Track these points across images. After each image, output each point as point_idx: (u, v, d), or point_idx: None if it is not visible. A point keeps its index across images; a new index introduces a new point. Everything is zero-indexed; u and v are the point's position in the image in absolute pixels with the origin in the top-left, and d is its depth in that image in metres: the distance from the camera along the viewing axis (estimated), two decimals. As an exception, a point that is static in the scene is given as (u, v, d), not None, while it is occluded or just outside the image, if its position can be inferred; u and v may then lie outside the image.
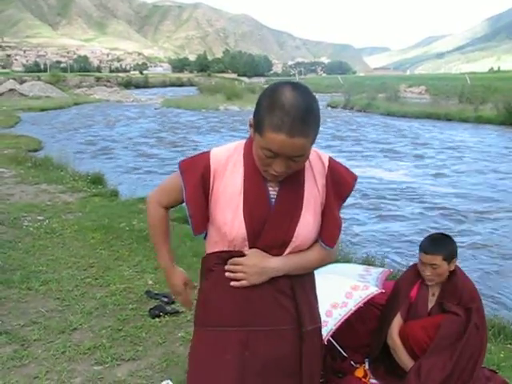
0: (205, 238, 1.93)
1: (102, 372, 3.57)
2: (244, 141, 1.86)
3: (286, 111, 1.57)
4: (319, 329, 2.01)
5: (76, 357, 3.75)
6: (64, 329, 4.15)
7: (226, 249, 1.81)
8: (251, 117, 1.71)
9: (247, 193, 1.77)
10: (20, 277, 5.13)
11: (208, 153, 1.84)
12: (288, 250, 1.80)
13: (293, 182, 1.79)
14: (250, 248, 1.79)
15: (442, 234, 3.36)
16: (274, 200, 1.78)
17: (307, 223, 1.80)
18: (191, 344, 1.96)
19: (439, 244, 3.19)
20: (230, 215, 1.76)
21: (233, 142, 1.89)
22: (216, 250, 1.84)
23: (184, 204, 1.86)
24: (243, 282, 1.79)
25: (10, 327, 4.15)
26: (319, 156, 1.84)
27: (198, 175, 1.80)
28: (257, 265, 1.78)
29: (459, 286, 3.24)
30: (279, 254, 1.80)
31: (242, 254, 1.79)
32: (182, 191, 1.84)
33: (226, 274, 1.81)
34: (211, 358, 1.82)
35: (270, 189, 1.78)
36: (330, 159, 1.86)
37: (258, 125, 1.64)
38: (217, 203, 1.79)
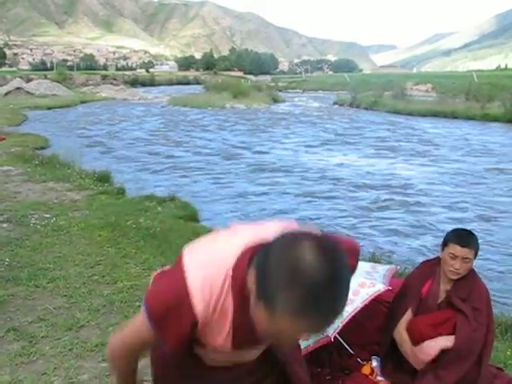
0: None
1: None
2: (230, 272, 1.38)
3: (314, 293, 1.14)
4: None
5: (83, 354, 3.77)
6: (71, 326, 4.17)
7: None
8: (251, 267, 1.31)
9: (237, 333, 1.47)
10: (28, 274, 5.15)
11: (188, 298, 1.36)
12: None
13: None
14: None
15: (466, 229, 3.36)
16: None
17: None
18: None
19: (473, 238, 3.20)
20: (216, 355, 1.60)
21: (218, 269, 1.39)
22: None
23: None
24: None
25: (18, 324, 4.17)
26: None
27: (183, 334, 1.43)
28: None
29: (470, 283, 3.25)
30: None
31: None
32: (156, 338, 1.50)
33: None
34: None
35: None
36: None
37: (264, 294, 1.20)
38: (201, 337, 1.50)
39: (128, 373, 1.75)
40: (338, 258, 1.18)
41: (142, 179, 12.53)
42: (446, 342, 3.18)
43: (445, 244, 3.26)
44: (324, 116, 33.62)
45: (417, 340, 3.29)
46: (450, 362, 3.13)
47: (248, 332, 1.41)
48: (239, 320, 1.42)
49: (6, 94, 48.80)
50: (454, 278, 3.24)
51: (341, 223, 9.28)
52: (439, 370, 3.14)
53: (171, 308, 1.38)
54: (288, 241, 1.20)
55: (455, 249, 3.18)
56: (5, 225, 6.95)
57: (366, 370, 3.44)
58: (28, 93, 50.01)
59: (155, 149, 18.67)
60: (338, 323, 3.07)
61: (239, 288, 1.37)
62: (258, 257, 1.25)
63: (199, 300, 1.36)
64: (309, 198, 11.29)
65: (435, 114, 33.20)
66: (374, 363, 3.49)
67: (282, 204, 10.69)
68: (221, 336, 1.47)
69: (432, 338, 3.25)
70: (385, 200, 11.27)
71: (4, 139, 17.44)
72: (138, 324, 1.53)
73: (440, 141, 21.50)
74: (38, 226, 6.90)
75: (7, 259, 5.57)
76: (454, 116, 32.11)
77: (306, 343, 3.08)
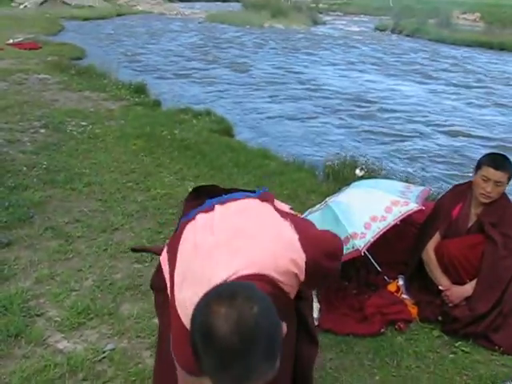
0: None
1: (142, 270, 3.71)
2: None
3: (220, 353, 1.16)
4: None
5: (117, 255, 3.91)
6: (106, 228, 4.30)
7: None
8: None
9: None
10: (64, 178, 5.28)
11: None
12: None
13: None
14: None
15: (502, 154, 3.31)
16: None
17: None
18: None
19: (507, 162, 3.18)
20: None
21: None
22: None
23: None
24: None
25: (56, 223, 4.31)
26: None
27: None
28: None
29: (502, 208, 3.23)
30: None
31: None
32: None
33: None
34: None
35: None
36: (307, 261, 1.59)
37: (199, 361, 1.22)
38: None
39: None
40: (252, 327, 1.15)
41: (178, 92, 12.45)
42: (471, 289, 3.20)
43: (478, 167, 3.23)
44: (365, 40, 32.63)
45: (444, 262, 3.32)
46: (480, 292, 3.16)
47: None
48: None
49: (42, 3, 48.22)
50: (486, 201, 3.22)
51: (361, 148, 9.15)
52: (471, 301, 3.18)
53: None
54: (204, 306, 1.20)
55: (488, 171, 3.15)
56: (42, 130, 7.05)
57: (392, 287, 3.50)
58: (64, 3, 49.28)
59: (192, 64, 18.44)
60: (370, 238, 3.10)
61: None
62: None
63: None
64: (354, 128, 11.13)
65: (481, 45, 31.86)
66: (400, 282, 3.54)
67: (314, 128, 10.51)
68: None
69: (460, 262, 3.28)
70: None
71: (40, 48, 17.42)
72: None
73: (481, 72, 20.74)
74: (75, 133, 6.99)
75: (45, 163, 5.69)
76: (500, 48, 30.79)
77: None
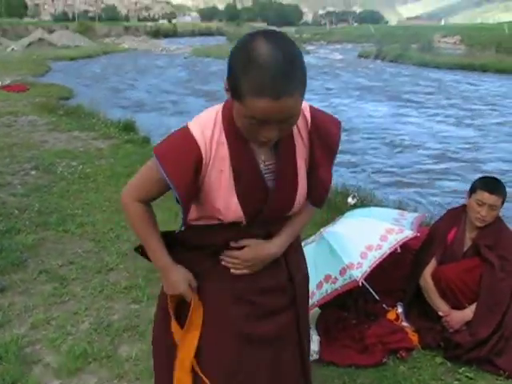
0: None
1: (139, 310, 3.68)
2: (220, 109, 1.59)
3: (265, 69, 1.31)
4: (307, 276, 1.94)
5: (113, 295, 3.87)
6: (101, 269, 4.27)
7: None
8: (225, 78, 1.44)
9: (238, 176, 1.57)
10: (56, 219, 5.26)
11: (191, 135, 1.53)
12: (288, 214, 1.72)
13: (287, 151, 1.62)
14: (249, 223, 1.64)
15: (495, 178, 3.34)
16: (267, 176, 1.61)
17: (303, 190, 1.68)
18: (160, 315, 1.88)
19: (501, 186, 3.21)
20: (223, 203, 1.59)
21: (210, 111, 1.60)
22: (201, 223, 1.69)
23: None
24: (244, 271, 1.71)
25: (50, 266, 4.28)
26: (301, 113, 1.59)
27: (189, 168, 1.53)
28: (256, 257, 1.69)
29: (497, 231, 3.25)
30: (277, 222, 1.72)
31: (238, 227, 1.65)
32: (164, 185, 1.61)
33: (223, 262, 1.71)
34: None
35: (262, 166, 1.61)
36: (312, 109, 1.66)
37: (234, 90, 1.38)
38: (207, 192, 1.59)
39: (151, 229, 1.75)
40: (288, 43, 1.37)
41: (167, 128, 12.51)
42: (471, 313, 3.19)
43: (472, 191, 3.25)
44: (348, 68, 33.07)
45: (442, 288, 3.31)
46: (481, 316, 3.15)
47: (250, 180, 1.58)
48: (237, 162, 1.56)
49: (29, 44, 48.69)
50: (480, 225, 3.24)
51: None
52: (472, 326, 3.16)
53: (178, 147, 1.55)
54: (245, 38, 1.40)
55: (483, 195, 3.17)
56: (33, 172, 7.05)
57: (391, 315, 3.48)
58: (50, 44, 49.83)
59: (180, 98, 18.61)
60: (366, 267, 3.09)
61: (228, 121, 1.54)
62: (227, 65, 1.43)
63: (198, 133, 1.53)
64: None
65: (463, 67, 32.36)
66: (399, 309, 3.52)
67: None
68: (222, 188, 1.57)
69: (458, 286, 3.27)
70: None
71: (28, 89, 17.51)
72: (149, 168, 1.66)
73: (465, 94, 21.04)
74: (65, 174, 6.99)
75: (36, 205, 5.67)
76: (483, 69, 31.26)
77: (334, 287, 3.12)
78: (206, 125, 1.55)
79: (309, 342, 1.98)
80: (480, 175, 3.58)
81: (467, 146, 11.83)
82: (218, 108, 1.59)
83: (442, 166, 10.06)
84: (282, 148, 1.61)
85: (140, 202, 1.71)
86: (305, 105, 1.60)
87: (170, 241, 1.78)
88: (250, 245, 1.68)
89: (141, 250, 1.84)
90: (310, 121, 1.64)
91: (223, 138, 1.55)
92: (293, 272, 1.81)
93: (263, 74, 1.31)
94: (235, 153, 1.56)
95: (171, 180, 1.54)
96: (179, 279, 1.72)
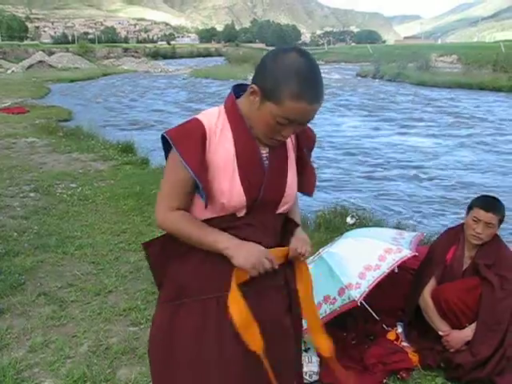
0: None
1: (138, 333, 3.65)
2: (222, 106, 1.80)
3: (304, 78, 1.56)
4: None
5: (112, 318, 3.85)
6: (99, 291, 4.25)
7: (216, 215, 1.74)
8: (253, 85, 1.66)
9: (241, 158, 1.73)
10: (56, 242, 5.26)
11: (197, 119, 1.74)
12: (281, 205, 1.83)
13: (280, 145, 1.82)
14: (247, 211, 1.74)
15: (493, 196, 3.35)
16: (266, 162, 1.78)
17: (293, 178, 1.86)
18: (158, 323, 1.90)
19: (498, 205, 3.23)
20: (226, 184, 1.70)
21: (212, 108, 1.82)
22: (206, 217, 1.76)
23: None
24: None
25: (48, 289, 4.27)
26: None
27: (197, 143, 1.68)
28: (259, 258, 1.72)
29: (495, 249, 3.25)
30: (273, 211, 1.83)
31: (235, 218, 1.74)
32: (188, 174, 1.69)
33: None
34: (195, 333, 1.78)
35: (263, 152, 1.78)
36: None
37: (272, 93, 1.60)
38: (211, 172, 1.70)
39: (197, 225, 1.75)
40: (314, 59, 1.64)
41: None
42: (471, 333, 3.18)
43: (470, 208, 3.27)
44: (345, 87, 33.27)
45: (442, 308, 3.30)
46: (481, 336, 3.13)
47: (251, 163, 1.74)
48: (240, 146, 1.73)
49: (29, 67, 49.07)
50: (476, 242, 3.24)
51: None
52: (473, 346, 3.14)
53: (186, 127, 1.72)
54: (279, 51, 1.66)
55: (479, 213, 3.19)
56: (32, 194, 7.07)
57: (391, 335, 3.46)
58: (50, 66, 50.23)
59: (178, 119, 18.69)
60: (365, 288, 3.08)
61: (233, 112, 1.75)
62: (256, 72, 1.69)
63: (204, 118, 1.74)
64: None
65: (461, 86, 32.58)
66: (399, 329, 3.51)
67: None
68: (227, 169, 1.71)
69: (458, 306, 3.26)
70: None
71: (28, 111, 17.61)
72: (165, 176, 1.78)
73: (463, 112, 21.13)
74: (65, 196, 7.00)
75: (35, 227, 5.67)
76: (480, 87, 31.46)
77: (333, 307, 3.11)
78: (210, 114, 1.76)
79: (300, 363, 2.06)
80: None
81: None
82: (219, 107, 1.81)
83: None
84: None
85: (173, 210, 1.76)
86: None
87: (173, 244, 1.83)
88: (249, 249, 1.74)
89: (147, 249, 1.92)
90: None
91: (227, 125, 1.75)
92: (289, 278, 1.90)
93: (303, 82, 1.56)
94: (238, 138, 1.74)
95: (180, 153, 1.67)
96: (256, 248, 1.72)
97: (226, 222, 1.74)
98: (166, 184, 1.77)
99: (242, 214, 1.75)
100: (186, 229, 1.73)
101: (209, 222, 1.75)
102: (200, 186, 1.67)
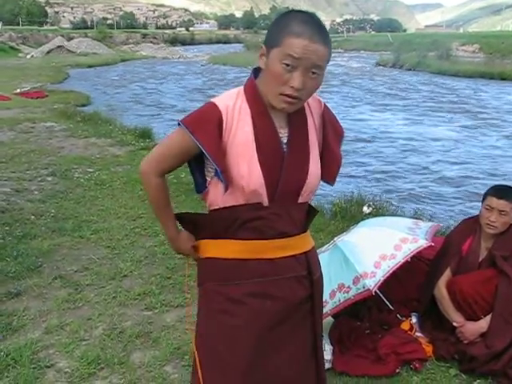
0: (199, 192, 1.85)
1: (152, 317, 3.68)
2: (242, 87, 1.79)
3: (304, 22, 1.60)
4: (322, 276, 1.96)
5: (127, 302, 3.88)
6: (115, 275, 4.28)
7: (241, 202, 1.72)
8: (262, 45, 1.70)
9: (259, 140, 1.71)
10: (72, 225, 5.30)
11: (213, 103, 1.72)
12: (302, 192, 1.79)
13: (299, 123, 1.78)
14: (269, 198, 1.72)
15: (507, 185, 3.32)
16: (284, 144, 1.75)
17: (316, 162, 1.81)
18: (201, 304, 1.87)
19: (511, 192, 3.17)
20: (245, 167, 1.68)
21: (231, 90, 1.81)
22: (229, 204, 1.74)
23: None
24: None
25: (64, 272, 4.31)
26: (314, 96, 1.80)
27: (213, 127, 1.68)
28: None
29: (512, 240, 3.21)
30: (295, 199, 1.78)
31: (261, 206, 1.72)
32: (189, 152, 1.75)
33: None
34: (229, 315, 1.77)
35: (280, 131, 1.75)
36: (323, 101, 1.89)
37: (273, 40, 1.63)
38: (230, 155, 1.69)
39: (166, 203, 1.90)
40: (315, 15, 1.68)
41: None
42: (486, 325, 3.15)
43: (483, 198, 3.25)
44: (364, 76, 33.01)
45: (457, 299, 3.27)
46: (496, 328, 3.10)
47: (269, 144, 1.71)
48: (258, 128, 1.71)
49: (48, 52, 49.38)
50: (491, 231, 3.21)
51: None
52: (488, 338, 3.11)
53: (201, 113, 1.73)
54: (283, 12, 1.72)
55: (492, 201, 3.17)
56: (49, 178, 7.12)
57: (405, 325, 3.44)
58: (69, 51, 50.48)
59: (197, 105, 18.69)
60: (380, 277, 3.07)
61: (252, 93, 1.74)
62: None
63: (220, 103, 1.71)
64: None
65: (482, 75, 32.13)
66: (414, 319, 3.49)
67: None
68: (247, 152, 1.69)
69: (473, 297, 3.23)
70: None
71: (47, 96, 17.72)
72: (171, 138, 1.81)
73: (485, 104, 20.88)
74: (82, 180, 7.05)
75: (52, 211, 5.72)
76: (501, 77, 31.00)
77: (347, 296, 3.10)
78: (228, 97, 1.75)
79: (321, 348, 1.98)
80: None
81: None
82: (238, 88, 1.79)
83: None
84: (295, 118, 1.77)
85: (160, 175, 1.83)
86: (318, 96, 1.84)
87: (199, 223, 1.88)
88: None
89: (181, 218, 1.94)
90: (323, 104, 1.87)
91: (245, 106, 1.73)
92: (312, 268, 1.85)
93: (303, 24, 1.60)
94: (257, 120, 1.72)
95: (199, 140, 1.67)
96: (184, 247, 1.92)
97: (251, 211, 1.72)
98: (164, 151, 1.82)
99: (265, 202, 1.72)
100: (157, 202, 1.90)
101: (235, 211, 1.72)
102: (219, 169, 1.67)
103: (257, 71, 1.79)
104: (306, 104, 1.79)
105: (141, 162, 1.87)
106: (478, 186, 9.08)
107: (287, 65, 1.60)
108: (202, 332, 1.83)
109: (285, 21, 1.64)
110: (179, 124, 1.74)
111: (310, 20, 1.62)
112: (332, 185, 1.94)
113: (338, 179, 1.94)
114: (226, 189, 1.70)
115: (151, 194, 1.88)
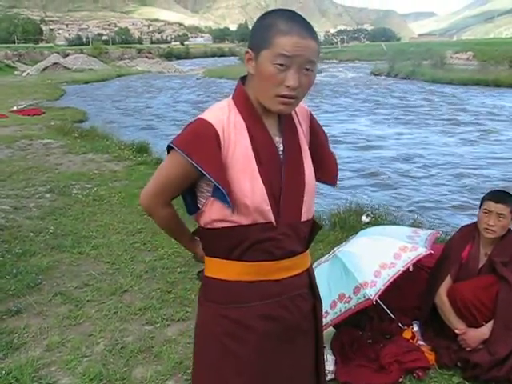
0: (191, 213, 1.75)
1: (153, 331, 3.67)
2: (230, 99, 1.71)
3: (290, 19, 1.57)
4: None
5: (127, 317, 3.87)
6: (115, 290, 4.27)
7: (245, 221, 1.63)
8: (248, 50, 1.63)
9: (258, 152, 1.64)
10: (71, 242, 5.30)
11: (204, 120, 1.62)
12: (304, 199, 1.74)
13: (290, 130, 1.76)
14: (274, 212, 1.65)
15: (503, 190, 3.34)
16: (281, 151, 1.71)
17: (310, 166, 1.78)
18: (201, 321, 1.80)
19: (509, 196, 3.21)
20: (247, 183, 1.61)
21: (219, 103, 1.72)
22: (231, 224, 1.64)
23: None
24: None
25: (65, 288, 4.30)
26: (300, 104, 1.74)
27: (211, 146, 1.59)
28: None
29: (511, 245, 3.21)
30: (298, 206, 1.73)
31: (271, 227, 1.66)
32: (189, 177, 1.64)
33: None
34: (231, 337, 1.70)
35: (275, 139, 1.70)
36: None
37: (261, 43, 1.57)
38: (230, 172, 1.61)
39: (180, 228, 1.86)
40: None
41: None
42: (488, 331, 3.15)
43: (481, 203, 3.26)
44: (360, 86, 33.15)
45: (458, 306, 3.27)
46: (499, 334, 3.10)
47: (269, 156, 1.66)
48: (256, 140, 1.65)
49: (44, 69, 49.55)
50: (490, 236, 3.21)
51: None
52: (490, 344, 3.11)
53: (195, 132, 1.62)
54: (264, 13, 1.66)
55: (489, 205, 3.19)
56: (48, 195, 7.13)
57: (406, 334, 3.43)
58: (65, 68, 50.67)
59: (192, 120, 18.74)
60: (380, 286, 3.07)
61: (243, 102, 1.68)
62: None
63: (212, 118, 1.62)
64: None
65: (476, 83, 32.26)
66: (415, 328, 3.48)
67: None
68: (247, 166, 1.62)
69: (474, 304, 3.23)
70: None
71: (43, 113, 17.76)
72: (166, 167, 1.70)
73: (480, 110, 20.95)
74: (80, 196, 7.06)
75: (51, 227, 5.72)
76: (496, 84, 31.12)
77: (348, 306, 3.10)
78: (219, 111, 1.67)
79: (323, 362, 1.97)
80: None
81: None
82: (227, 99, 1.72)
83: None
84: (286, 126, 1.74)
85: (166, 205, 1.75)
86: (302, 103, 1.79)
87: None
88: None
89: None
90: (309, 111, 1.86)
91: (239, 118, 1.66)
92: (313, 283, 1.85)
93: (290, 21, 1.56)
94: (253, 129, 1.66)
95: (198, 162, 1.58)
96: (201, 253, 1.82)
97: (261, 232, 1.65)
98: (161, 181, 1.72)
99: (271, 218, 1.64)
100: (172, 232, 1.88)
101: (241, 231, 1.64)
102: (225, 191, 1.58)
103: (243, 79, 1.74)
104: (293, 112, 1.76)
105: (140, 196, 1.78)
106: (476, 188, 9.11)
107: (280, 65, 1.55)
108: (201, 354, 1.79)
109: (269, 21, 1.58)
110: (170, 147, 1.64)
111: (295, 16, 1.58)
112: (334, 186, 1.94)
113: (336, 189, 1.94)
114: (233, 210, 1.62)
115: (161, 226, 1.84)
